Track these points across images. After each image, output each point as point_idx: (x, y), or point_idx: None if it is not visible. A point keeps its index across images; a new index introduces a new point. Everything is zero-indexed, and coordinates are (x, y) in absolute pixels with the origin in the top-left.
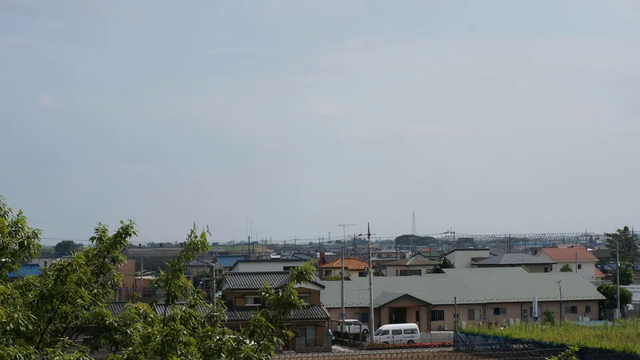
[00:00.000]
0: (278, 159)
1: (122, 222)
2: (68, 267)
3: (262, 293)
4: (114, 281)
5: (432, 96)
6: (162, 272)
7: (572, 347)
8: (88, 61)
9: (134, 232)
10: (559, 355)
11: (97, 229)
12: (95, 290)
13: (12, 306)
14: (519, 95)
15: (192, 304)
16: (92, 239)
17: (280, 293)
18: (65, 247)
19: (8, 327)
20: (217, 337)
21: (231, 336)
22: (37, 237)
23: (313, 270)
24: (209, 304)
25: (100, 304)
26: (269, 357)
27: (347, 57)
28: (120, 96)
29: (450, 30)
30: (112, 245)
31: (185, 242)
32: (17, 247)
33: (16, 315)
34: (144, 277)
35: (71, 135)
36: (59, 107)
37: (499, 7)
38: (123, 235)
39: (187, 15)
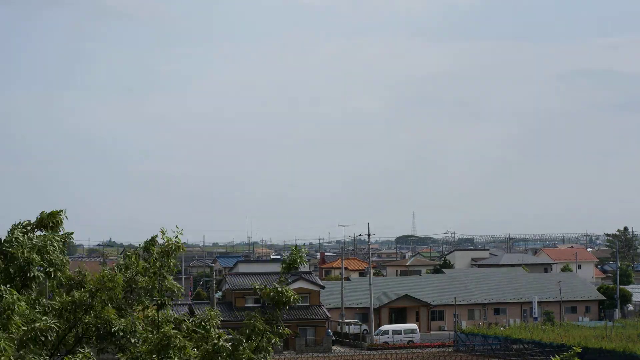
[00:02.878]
0: (277, 158)
1: (177, 227)
2: (105, 286)
3: (258, 290)
4: (140, 297)
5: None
6: (143, 278)
7: (574, 348)
8: None
9: (182, 248)
10: (562, 356)
11: (159, 235)
12: (122, 305)
13: (41, 312)
14: (513, 100)
15: (160, 303)
16: (147, 247)
17: (274, 291)
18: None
19: (26, 337)
20: (214, 342)
21: (227, 337)
22: (72, 238)
23: (303, 257)
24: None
25: (122, 319)
26: (267, 356)
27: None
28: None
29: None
30: (162, 261)
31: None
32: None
33: (37, 325)
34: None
35: (67, 135)
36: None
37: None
38: (169, 256)
39: None
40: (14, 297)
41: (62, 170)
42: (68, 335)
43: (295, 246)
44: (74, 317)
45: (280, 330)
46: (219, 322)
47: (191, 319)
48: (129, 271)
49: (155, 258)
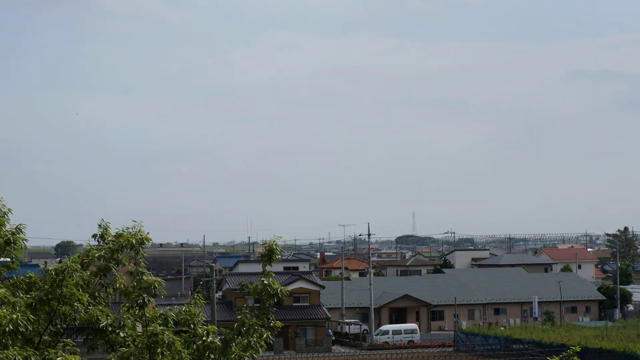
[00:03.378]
0: (276, 158)
1: (127, 227)
2: (65, 272)
3: (242, 288)
4: (115, 283)
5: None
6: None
7: (573, 348)
8: None
9: (145, 238)
10: (561, 356)
11: (99, 225)
12: (96, 292)
13: (12, 307)
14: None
15: (140, 303)
16: (94, 236)
17: (260, 285)
18: (65, 248)
19: (7, 329)
20: (204, 339)
21: (217, 334)
22: (21, 232)
23: (279, 249)
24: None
25: (99, 305)
26: (258, 352)
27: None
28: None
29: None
30: (116, 249)
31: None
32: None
33: (15, 317)
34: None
35: (66, 136)
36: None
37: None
38: (132, 241)
39: None
40: None
41: (62, 170)
42: (47, 328)
43: (271, 241)
44: (49, 308)
45: (271, 324)
46: (202, 319)
47: (176, 314)
48: (95, 260)
49: (111, 246)
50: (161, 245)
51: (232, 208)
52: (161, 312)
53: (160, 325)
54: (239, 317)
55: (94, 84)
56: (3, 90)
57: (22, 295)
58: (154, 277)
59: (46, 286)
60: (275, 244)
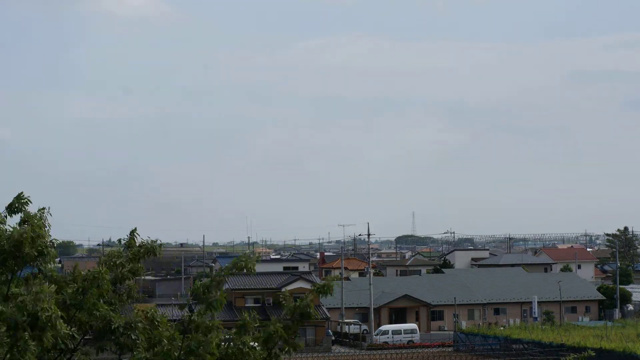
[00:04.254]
0: (275, 158)
1: (149, 238)
2: (93, 281)
3: (280, 299)
4: (131, 292)
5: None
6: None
7: (588, 352)
8: None
9: (160, 253)
10: (578, 356)
11: (131, 232)
12: (112, 300)
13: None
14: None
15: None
16: (120, 241)
17: (297, 302)
18: (65, 248)
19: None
20: (226, 346)
21: (242, 341)
22: (54, 246)
23: (256, 259)
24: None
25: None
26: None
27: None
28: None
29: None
30: (135, 258)
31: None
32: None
33: (56, 314)
34: (144, 277)
35: (67, 135)
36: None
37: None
38: (149, 253)
39: None
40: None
41: (62, 170)
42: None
43: (245, 254)
44: (66, 315)
45: (294, 342)
46: (221, 327)
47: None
48: (114, 267)
49: (137, 253)
50: (161, 245)
51: (232, 208)
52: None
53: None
54: (269, 329)
55: (94, 84)
56: (3, 89)
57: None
58: (222, 295)
59: (69, 291)
60: (248, 260)
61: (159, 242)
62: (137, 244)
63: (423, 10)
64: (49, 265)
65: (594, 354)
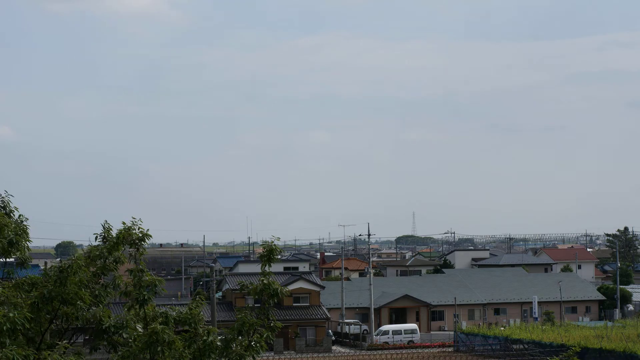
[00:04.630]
0: (275, 158)
1: (124, 223)
2: (68, 269)
3: (242, 288)
4: (115, 282)
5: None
6: (117, 274)
7: (573, 348)
8: None
9: (145, 234)
10: (561, 356)
11: (102, 226)
12: (96, 292)
13: (11, 306)
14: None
15: (193, 306)
16: (96, 236)
17: (261, 285)
18: (65, 248)
19: (5, 327)
20: (204, 338)
21: (218, 333)
22: (25, 233)
23: (278, 250)
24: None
25: (100, 305)
26: (259, 352)
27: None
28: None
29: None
30: (113, 246)
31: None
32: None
33: (11, 315)
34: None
35: (71, 135)
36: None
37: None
38: (126, 237)
39: None
40: None
41: (61, 170)
42: (49, 328)
43: (269, 242)
44: (51, 308)
45: (272, 324)
46: (203, 318)
47: (175, 313)
48: (98, 260)
49: (114, 242)
50: (161, 245)
51: (232, 208)
52: (162, 311)
53: (160, 324)
54: (239, 316)
55: (95, 84)
56: (3, 89)
57: (23, 295)
58: (154, 276)
59: (49, 285)
60: (275, 245)
61: (139, 223)
62: (113, 235)
63: (422, 7)
64: (23, 254)
65: (579, 349)
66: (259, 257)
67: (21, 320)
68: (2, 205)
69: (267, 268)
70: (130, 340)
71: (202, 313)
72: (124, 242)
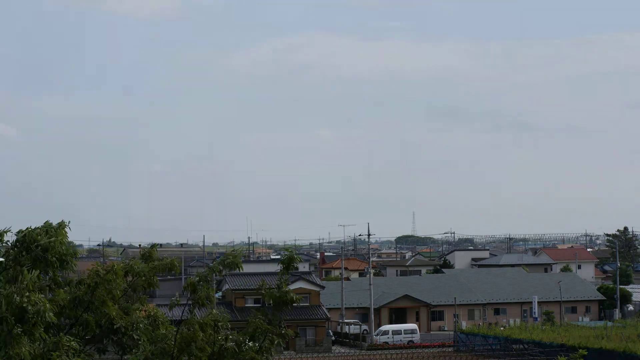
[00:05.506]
0: (276, 158)
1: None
2: (102, 278)
3: (262, 292)
4: (141, 301)
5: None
6: (189, 279)
7: (580, 351)
8: None
9: (177, 270)
10: (569, 357)
11: (148, 247)
12: (123, 305)
13: (52, 304)
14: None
15: (212, 312)
16: (143, 256)
17: (278, 292)
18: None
19: (35, 319)
20: (221, 344)
21: (232, 338)
22: (76, 254)
23: (298, 256)
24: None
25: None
26: (269, 357)
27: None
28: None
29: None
30: (154, 273)
31: (224, 256)
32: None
33: (42, 308)
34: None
35: (68, 135)
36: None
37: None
38: (167, 269)
39: None
40: (45, 305)
41: (61, 169)
42: (69, 333)
43: (292, 247)
44: (74, 314)
45: (282, 331)
46: (228, 324)
47: (205, 320)
48: (130, 273)
49: (156, 267)
50: (161, 245)
51: (232, 208)
52: (207, 315)
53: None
54: (252, 321)
55: (93, 83)
56: (3, 89)
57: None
58: (212, 292)
59: (80, 291)
60: (295, 254)
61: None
62: (156, 258)
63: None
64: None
65: (586, 352)
66: (280, 264)
67: (50, 315)
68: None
69: (284, 275)
70: (140, 342)
71: (226, 317)
72: (163, 270)
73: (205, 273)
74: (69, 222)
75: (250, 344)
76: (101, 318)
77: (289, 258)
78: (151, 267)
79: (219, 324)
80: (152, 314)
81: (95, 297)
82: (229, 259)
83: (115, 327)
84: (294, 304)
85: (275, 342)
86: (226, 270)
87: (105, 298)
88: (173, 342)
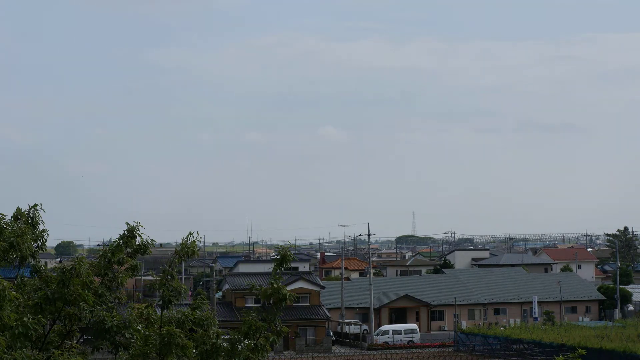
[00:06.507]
0: (275, 158)
1: (127, 223)
2: (72, 271)
3: (254, 290)
4: (118, 282)
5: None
6: (154, 275)
7: (579, 350)
8: None
9: (139, 235)
10: (567, 357)
11: (127, 224)
12: (99, 291)
13: (21, 308)
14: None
15: (195, 306)
16: (122, 237)
17: (271, 289)
18: (65, 247)
19: (17, 331)
20: (213, 341)
21: (225, 337)
22: (45, 247)
23: (292, 254)
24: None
25: (104, 305)
26: (264, 354)
27: None
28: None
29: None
30: (117, 247)
31: (177, 245)
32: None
33: (25, 319)
34: (144, 278)
35: (68, 135)
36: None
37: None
38: (129, 237)
39: None
40: (4, 283)
41: (62, 170)
42: (53, 329)
43: (285, 246)
44: (55, 309)
45: (278, 329)
46: (217, 321)
47: (190, 317)
48: (102, 259)
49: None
50: (161, 245)
51: (232, 208)
52: (177, 314)
53: (175, 327)
54: (246, 319)
55: (95, 84)
56: (3, 88)
57: (25, 296)
58: (180, 284)
59: (52, 286)
60: (289, 252)
61: (155, 242)
62: (137, 243)
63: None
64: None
65: (585, 352)
66: (258, 257)
67: (34, 326)
68: (32, 216)
69: (278, 271)
70: (132, 340)
71: (213, 316)
72: (127, 244)
73: (165, 268)
74: (41, 204)
75: (246, 342)
76: (80, 311)
77: (283, 255)
78: (131, 251)
79: (209, 320)
80: (144, 312)
81: (69, 289)
82: (184, 249)
83: (106, 326)
84: (293, 303)
85: (271, 339)
86: (184, 260)
87: (79, 289)
88: (157, 342)
